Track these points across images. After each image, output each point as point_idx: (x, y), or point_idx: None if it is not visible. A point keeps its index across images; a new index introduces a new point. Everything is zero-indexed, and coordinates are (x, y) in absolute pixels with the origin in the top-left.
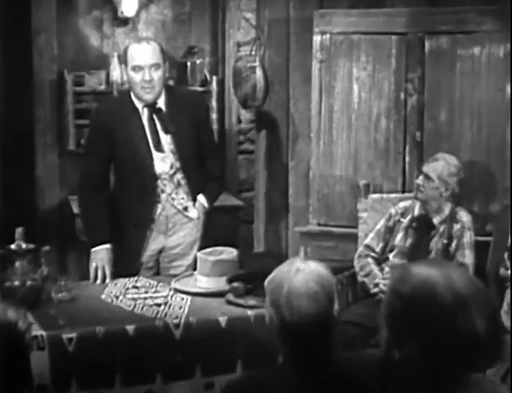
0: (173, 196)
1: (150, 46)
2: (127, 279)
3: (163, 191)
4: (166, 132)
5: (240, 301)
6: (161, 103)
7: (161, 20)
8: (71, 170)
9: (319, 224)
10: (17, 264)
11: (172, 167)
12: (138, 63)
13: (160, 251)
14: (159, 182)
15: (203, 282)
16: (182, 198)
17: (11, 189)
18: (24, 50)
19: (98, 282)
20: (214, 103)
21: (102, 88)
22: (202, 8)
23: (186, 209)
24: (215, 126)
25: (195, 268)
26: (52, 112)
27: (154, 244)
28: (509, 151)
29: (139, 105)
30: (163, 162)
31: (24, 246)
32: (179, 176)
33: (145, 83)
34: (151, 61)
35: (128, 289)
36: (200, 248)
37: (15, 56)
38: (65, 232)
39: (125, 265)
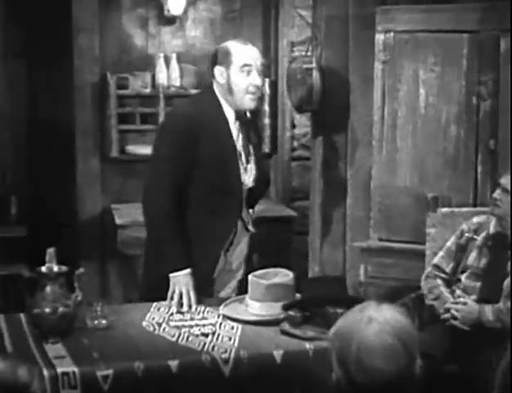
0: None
1: (254, 47)
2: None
3: (242, 204)
4: (253, 140)
5: (297, 332)
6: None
7: (210, 18)
8: (113, 178)
9: (380, 239)
10: (48, 288)
11: (254, 179)
12: (248, 62)
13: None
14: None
15: (255, 308)
16: (248, 210)
17: (50, 197)
18: (64, 50)
19: (185, 309)
20: (267, 107)
21: (147, 91)
22: (253, 5)
23: (249, 222)
24: (267, 131)
25: (244, 290)
26: (94, 116)
27: (220, 262)
28: None
29: (229, 112)
30: (247, 174)
31: (55, 268)
32: (250, 188)
33: (253, 87)
34: (260, 61)
35: (172, 315)
36: (248, 262)
37: (55, 57)
38: (106, 243)
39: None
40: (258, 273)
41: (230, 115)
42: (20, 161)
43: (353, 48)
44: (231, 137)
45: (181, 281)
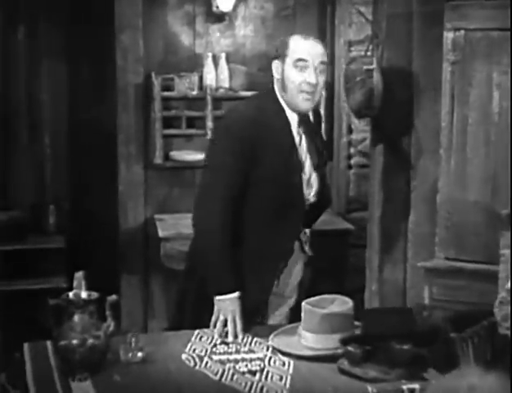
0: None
1: (319, 43)
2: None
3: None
4: (317, 148)
5: (358, 371)
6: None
7: (261, 16)
8: (157, 186)
9: (447, 259)
10: (76, 317)
11: (315, 194)
12: (304, 56)
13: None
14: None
15: (309, 340)
16: (304, 229)
17: (90, 206)
18: (106, 50)
19: (230, 338)
20: (322, 111)
21: (194, 93)
22: (308, 2)
23: (306, 242)
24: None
25: (297, 317)
26: (137, 120)
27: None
28: None
29: (292, 114)
30: (310, 187)
31: (84, 295)
32: (311, 204)
33: (308, 85)
34: (321, 59)
35: (215, 346)
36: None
37: (98, 57)
38: (149, 256)
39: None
40: (312, 299)
41: (293, 119)
42: (60, 167)
43: (418, 48)
44: (294, 144)
45: (227, 306)
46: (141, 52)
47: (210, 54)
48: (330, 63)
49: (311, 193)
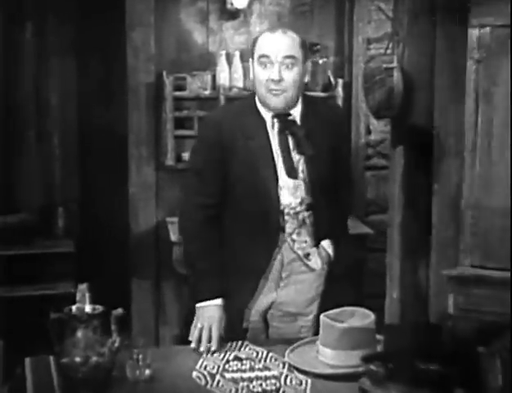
0: (294, 237)
1: (286, 36)
2: (227, 346)
3: (282, 229)
4: (301, 153)
5: (380, 392)
6: (296, 113)
7: (277, 13)
8: (169, 188)
9: (473, 266)
10: (79, 333)
11: (301, 202)
12: (266, 52)
13: (269, 308)
14: (281, 217)
15: (327, 356)
16: (305, 241)
17: (100, 208)
18: (117, 48)
19: (202, 348)
20: None
21: (207, 92)
22: None
23: (307, 256)
24: None
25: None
26: (148, 120)
27: (264, 298)
28: None
29: (266, 114)
30: (292, 193)
31: (88, 308)
32: (306, 213)
33: (272, 82)
34: (284, 53)
35: (227, 362)
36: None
37: (107, 55)
38: (161, 260)
39: (228, 325)
40: (331, 312)
41: (268, 120)
42: (69, 168)
43: (441, 45)
44: (268, 145)
45: (204, 313)
46: (152, 50)
47: (224, 52)
48: (349, 61)
49: (297, 199)
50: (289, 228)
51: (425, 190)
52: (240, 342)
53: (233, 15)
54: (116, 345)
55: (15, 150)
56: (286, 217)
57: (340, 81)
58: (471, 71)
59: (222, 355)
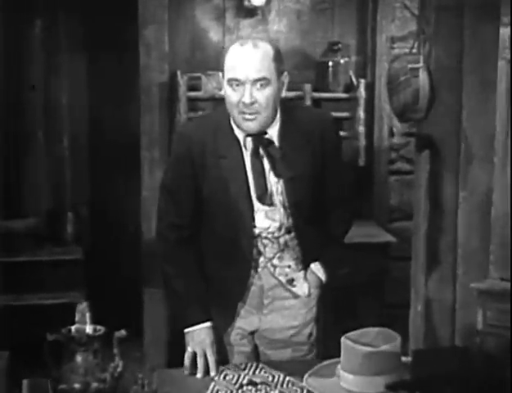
0: (275, 262)
1: (257, 51)
2: (241, 368)
3: (260, 254)
4: (277, 175)
5: None
6: (273, 133)
7: (296, 10)
8: None
9: (503, 279)
10: (78, 357)
11: (280, 226)
12: (235, 76)
13: (254, 333)
14: (257, 241)
15: (349, 382)
16: (288, 266)
17: (111, 214)
18: (129, 46)
19: (199, 375)
20: (362, 113)
21: (222, 93)
22: None
23: (291, 281)
24: (362, 141)
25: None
26: (161, 122)
27: (243, 323)
28: None
29: (240, 134)
30: (269, 218)
31: (88, 330)
32: (287, 236)
33: (244, 106)
34: (255, 76)
35: (241, 387)
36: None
37: (119, 53)
38: None
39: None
40: (353, 334)
41: (241, 137)
42: (79, 171)
43: (469, 44)
44: (242, 166)
45: (194, 338)
46: (166, 49)
47: None
48: (371, 61)
49: (275, 224)
50: (268, 252)
51: (453, 197)
52: (254, 364)
53: (251, 12)
54: (119, 369)
55: (23, 151)
56: (265, 241)
57: (362, 81)
58: (502, 72)
59: (236, 379)
